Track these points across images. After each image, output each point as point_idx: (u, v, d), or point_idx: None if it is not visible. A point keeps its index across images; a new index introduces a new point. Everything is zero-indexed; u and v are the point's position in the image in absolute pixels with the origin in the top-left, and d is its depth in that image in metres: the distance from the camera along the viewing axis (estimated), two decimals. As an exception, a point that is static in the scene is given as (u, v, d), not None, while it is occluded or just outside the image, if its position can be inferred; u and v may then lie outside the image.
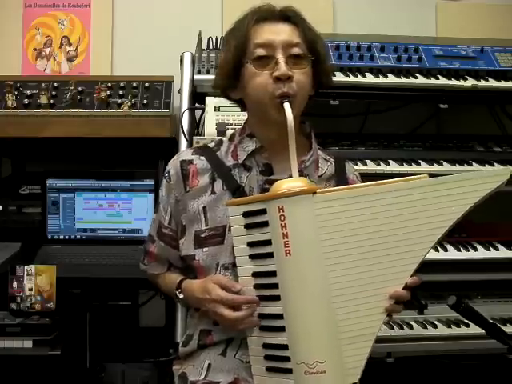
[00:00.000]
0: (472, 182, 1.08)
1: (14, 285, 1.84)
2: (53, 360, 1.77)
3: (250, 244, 1.13)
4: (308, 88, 1.24)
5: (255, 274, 1.13)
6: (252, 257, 1.13)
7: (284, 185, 1.11)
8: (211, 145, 1.35)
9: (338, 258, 1.07)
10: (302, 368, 1.07)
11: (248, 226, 1.12)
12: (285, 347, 1.09)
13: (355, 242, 1.08)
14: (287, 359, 1.09)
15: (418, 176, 1.11)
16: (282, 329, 1.10)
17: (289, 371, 1.09)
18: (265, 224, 1.10)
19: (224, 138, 1.36)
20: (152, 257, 1.38)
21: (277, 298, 1.10)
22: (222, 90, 1.31)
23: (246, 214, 1.12)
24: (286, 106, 1.15)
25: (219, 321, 1.19)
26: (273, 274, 1.10)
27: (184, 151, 1.38)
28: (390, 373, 1.78)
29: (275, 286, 1.10)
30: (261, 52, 1.20)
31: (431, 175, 1.12)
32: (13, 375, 1.82)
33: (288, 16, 1.24)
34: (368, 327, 1.09)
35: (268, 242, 1.10)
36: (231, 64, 1.23)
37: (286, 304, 1.09)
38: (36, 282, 1.84)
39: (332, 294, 1.07)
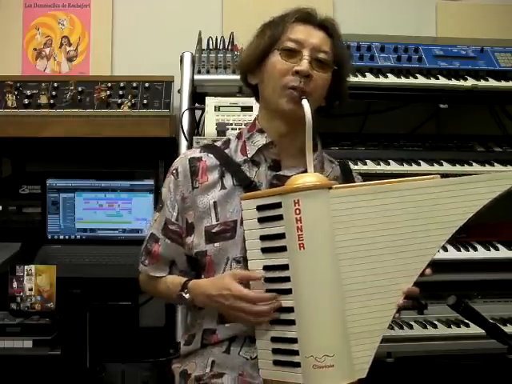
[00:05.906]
0: (483, 184, 1.09)
1: (14, 285, 1.84)
2: (53, 360, 1.78)
3: (263, 238, 1.13)
4: (323, 93, 1.27)
5: (267, 268, 1.13)
6: (264, 250, 1.13)
7: (300, 179, 1.11)
8: (218, 143, 1.37)
9: (350, 253, 1.09)
10: (311, 361, 1.07)
11: (261, 220, 1.13)
12: (294, 341, 1.09)
13: (368, 238, 1.09)
14: (296, 353, 1.09)
15: (431, 176, 1.12)
16: (292, 322, 1.10)
17: (297, 365, 1.09)
18: (279, 217, 1.10)
19: (231, 137, 1.37)
20: (155, 257, 1.34)
21: (288, 292, 1.10)
22: (243, 72, 1.34)
23: (260, 208, 1.13)
24: (305, 102, 1.17)
25: (237, 316, 1.17)
26: (285, 267, 1.10)
27: (191, 150, 1.40)
28: (390, 373, 1.78)
29: (287, 279, 1.10)
30: (290, 45, 1.24)
31: (431, 175, 1.12)
32: (13, 375, 1.82)
33: (326, 26, 1.28)
34: (378, 323, 1.10)
35: (281, 236, 1.10)
36: (261, 48, 1.27)
37: (297, 297, 1.09)
38: (36, 282, 1.84)
39: (344, 289, 1.08)
